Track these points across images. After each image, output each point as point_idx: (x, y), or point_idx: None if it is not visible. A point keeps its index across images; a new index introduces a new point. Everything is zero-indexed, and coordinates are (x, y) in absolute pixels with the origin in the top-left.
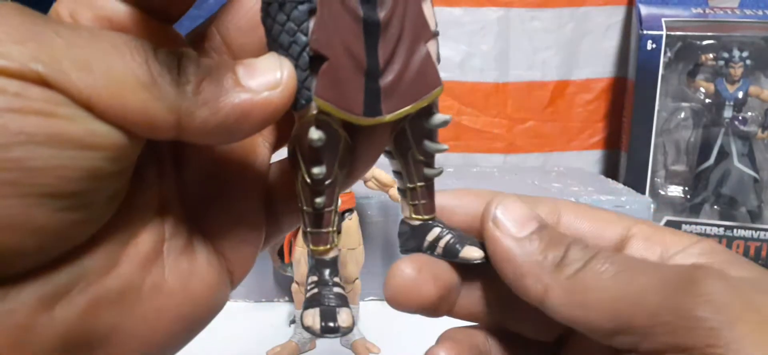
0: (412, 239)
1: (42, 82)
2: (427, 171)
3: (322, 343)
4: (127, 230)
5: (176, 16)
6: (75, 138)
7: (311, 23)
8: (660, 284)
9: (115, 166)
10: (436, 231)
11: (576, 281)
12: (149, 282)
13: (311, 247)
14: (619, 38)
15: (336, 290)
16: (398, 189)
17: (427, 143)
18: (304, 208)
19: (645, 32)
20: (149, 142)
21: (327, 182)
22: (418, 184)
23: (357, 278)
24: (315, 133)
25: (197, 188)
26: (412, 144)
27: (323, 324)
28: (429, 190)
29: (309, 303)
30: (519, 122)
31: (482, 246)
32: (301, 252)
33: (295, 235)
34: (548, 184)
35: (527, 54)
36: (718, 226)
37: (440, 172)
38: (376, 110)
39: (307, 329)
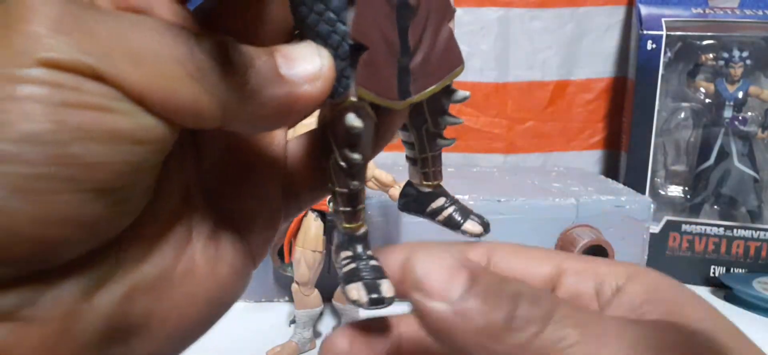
0: (415, 203)
1: (96, 76)
2: (441, 142)
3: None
4: (158, 218)
5: None
6: (127, 133)
7: (350, 12)
8: None
9: (157, 158)
10: (440, 201)
11: (534, 352)
12: (181, 268)
13: (344, 225)
14: (619, 38)
15: (372, 262)
16: (407, 157)
17: (445, 118)
18: (337, 189)
19: (645, 32)
20: None
21: (360, 164)
22: (430, 154)
23: None
24: (357, 122)
25: (217, 172)
26: (428, 118)
27: (370, 297)
28: (438, 157)
29: (348, 278)
30: (519, 122)
31: (484, 221)
32: (301, 252)
33: (294, 235)
34: (548, 184)
35: (527, 54)
36: (718, 226)
37: (453, 142)
38: (406, 92)
39: (354, 302)
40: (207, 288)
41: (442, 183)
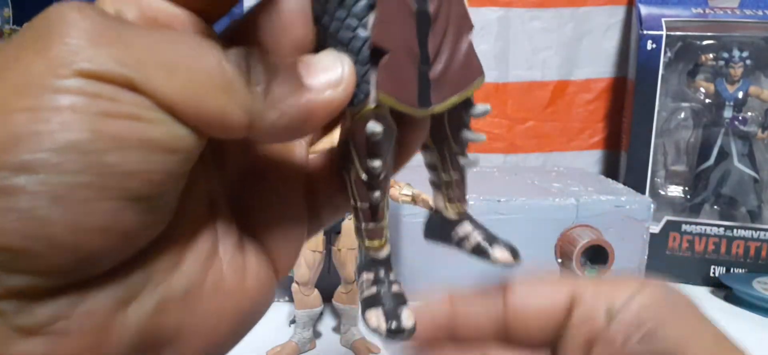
0: (440, 230)
1: (131, 86)
2: (463, 160)
3: (322, 343)
4: (185, 229)
5: (217, 16)
6: (160, 142)
7: (371, 17)
8: None
9: (186, 167)
10: (466, 228)
11: None
12: (210, 281)
13: (366, 243)
14: (619, 38)
15: (394, 288)
16: (431, 182)
17: (465, 132)
18: (359, 204)
19: (645, 32)
20: None
21: (382, 176)
22: (454, 176)
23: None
24: (377, 127)
25: (239, 184)
26: (449, 134)
27: (389, 326)
28: (462, 180)
29: (369, 303)
30: (519, 122)
31: (511, 247)
32: (301, 252)
33: None
34: (548, 184)
35: (527, 54)
36: (718, 226)
37: (476, 163)
38: (427, 101)
39: (374, 330)
40: (235, 301)
41: (467, 208)
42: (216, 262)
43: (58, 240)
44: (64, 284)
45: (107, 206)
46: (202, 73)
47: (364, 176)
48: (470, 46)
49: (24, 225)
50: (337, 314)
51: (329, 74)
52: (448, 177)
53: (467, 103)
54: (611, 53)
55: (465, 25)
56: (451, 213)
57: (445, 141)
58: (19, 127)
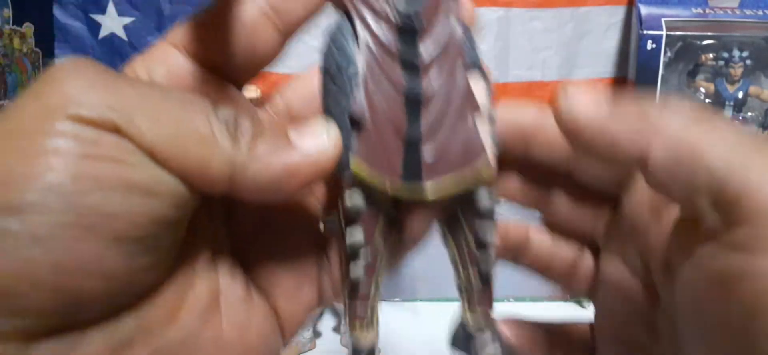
0: (464, 343)
1: (115, 129)
2: (481, 260)
3: (321, 343)
4: (184, 281)
5: (243, 82)
6: (142, 185)
7: (354, 91)
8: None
9: (176, 214)
10: (487, 347)
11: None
12: (208, 334)
13: (348, 323)
14: (619, 38)
15: None
16: (456, 284)
17: (478, 223)
18: (344, 279)
19: (645, 32)
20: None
21: (364, 252)
22: (473, 278)
23: None
24: (355, 196)
25: (250, 240)
26: (465, 228)
27: None
28: (486, 288)
29: None
30: None
31: None
32: None
33: None
34: None
35: (527, 54)
36: None
37: (495, 265)
38: (415, 177)
39: None
40: None
41: (494, 322)
42: (216, 316)
43: (41, 280)
44: (56, 328)
45: (90, 247)
46: (187, 123)
47: (346, 248)
48: (474, 130)
49: (9, 265)
50: (337, 314)
51: (316, 139)
52: (467, 277)
53: (478, 194)
54: (611, 53)
55: (470, 108)
56: (470, 322)
57: (463, 236)
58: (7, 169)
